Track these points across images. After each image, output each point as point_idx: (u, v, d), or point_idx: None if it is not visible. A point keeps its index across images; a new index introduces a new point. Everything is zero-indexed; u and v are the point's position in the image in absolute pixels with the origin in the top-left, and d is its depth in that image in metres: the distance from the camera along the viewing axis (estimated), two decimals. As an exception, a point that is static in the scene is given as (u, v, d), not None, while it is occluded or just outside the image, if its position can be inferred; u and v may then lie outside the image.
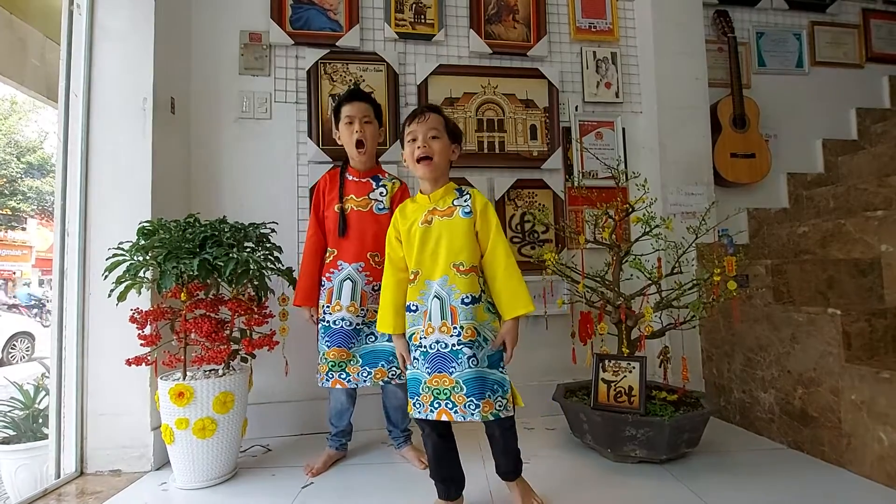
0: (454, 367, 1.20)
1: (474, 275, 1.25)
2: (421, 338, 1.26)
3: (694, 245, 1.83)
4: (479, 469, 1.55)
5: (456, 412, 1.19)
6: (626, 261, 1.81)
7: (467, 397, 1.19)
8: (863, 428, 1.47)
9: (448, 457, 1.30)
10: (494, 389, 1.21)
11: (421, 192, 1.35)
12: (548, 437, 1.90)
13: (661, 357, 1.83)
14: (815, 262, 1.92)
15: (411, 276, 1.30)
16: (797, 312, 1.69)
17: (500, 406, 1.21)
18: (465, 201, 1.29)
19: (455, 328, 1.21)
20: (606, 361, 1.70)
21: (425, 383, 1.24)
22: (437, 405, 1.21)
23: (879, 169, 2.36)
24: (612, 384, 1.66)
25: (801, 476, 1.50)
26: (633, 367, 1.66)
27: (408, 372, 1.31)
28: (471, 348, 1.20)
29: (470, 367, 1.20)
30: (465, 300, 1.22)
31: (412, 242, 1.29)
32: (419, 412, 1.24)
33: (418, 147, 1.27)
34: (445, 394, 1.21)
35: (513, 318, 1.24)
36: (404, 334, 1.32)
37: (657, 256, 1.85)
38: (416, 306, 1.28)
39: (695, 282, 1.74)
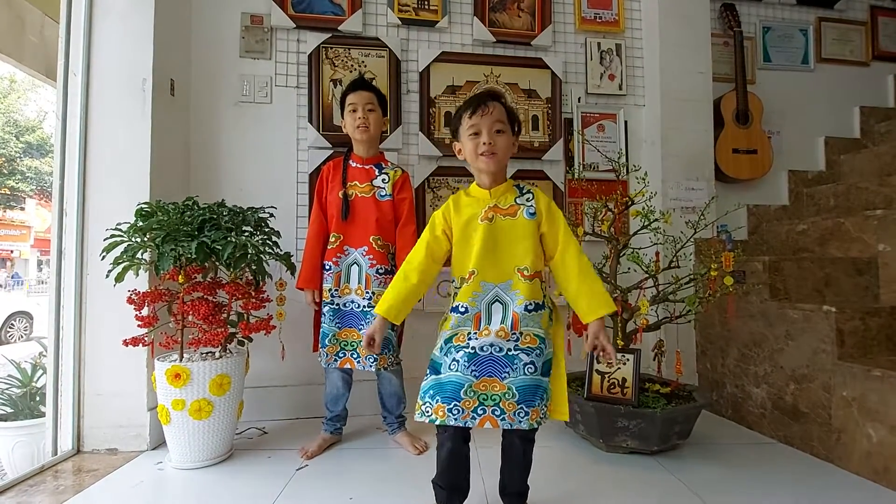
0: (507, 373, 1.11)
1: (538, 280, 1.15)
2: (469, 339, 1.14)
3: (692, 240, 1.83)
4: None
5: (503, 419, 1.11)
6: (624, 254, 1.82)
7: (518, 404, 1.11)
8: (853, 424, 1.49)
9: (462, 465, 1.20)
10: (542, 397, 1.15)
11: (478, 184, 1.22)
12: (541, 427, 1.91)
13: (656, 350, 1.84)
14: (812, 259, 1.92)
15: (466, 276, 1.16)
16: (792, 309, 1.70)
17: (543, 414, 1.15)
18: (529, 201, 1.18)
19: (514, 334, 1.12)
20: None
21: (470, 387, 1.11)
22: (481, 412, 1.11)
23: (881, 168, 2.35)
24: (606, 376, 1.68)
25: (790, 470, 1.52)
26: (628, 360, 1.67)
27: (443, 375, 1.15)
28: (528, 355, 1.13)
29: (525, 373, 1.12)
30: (529, 307, 1.13)
31: (471, 241, 1.16)
32: (455, 418, 1.11)
33: (484, 143, 1.14)
34: (494, 399, 1.11)
35: (596, 319, 1.13)
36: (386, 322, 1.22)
37: (655, 250, 1.86)
38: (467, 308, 1.15)
39: (692, 276, 1.75)
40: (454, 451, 1.17)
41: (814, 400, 1.61)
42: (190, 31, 2.05)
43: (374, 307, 1.59)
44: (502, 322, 1.13)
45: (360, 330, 1.65)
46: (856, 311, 1.59)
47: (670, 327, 1.81)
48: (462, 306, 1.16)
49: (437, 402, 1.13)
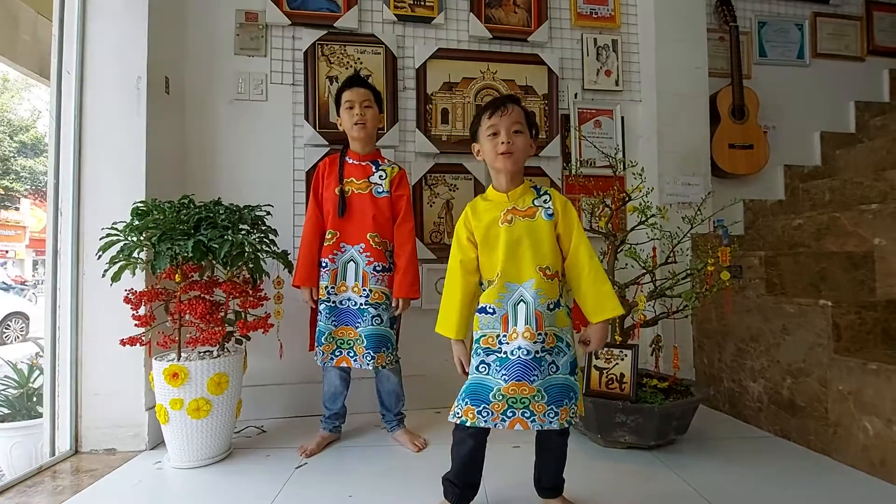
0: (536, 376, 1.13)
1: (557, 279, 1.18)
2: (501, 343, 1.16)
3: (689, 235, 1.83)
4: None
5: (534, 421, 1.13)
6: (622, 250, 1.82)
7: (548, 405, 1.13)
8: (849, 418, 1.49)
9: (478, 464, 1.22)
10: (571, 396, 1.16)
11: (494, 188, 1.25)
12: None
13: (654, 345, 1.84)
14: (808, 254, 1.93)
15: (493, 279, 1.19)
16: (789, 304, 1.71)
17: (573, 413, 1.17)
18: (546, 202, 1.21)
19: (540, 335, 1.14)
20: (599, 349, 1.72)
21: (499, 391, 1.13)
22: (510, 414, 1.13)
23: (876, 163, 2.36)
24: (605, 371, 1.68)
25: (787, 464, 1.53)
26: (626, 355, 1.67)
27: (471, 377, 1.19)
28: (552, 355, 1.16)
29: (551, 374, 1.15)
30: (550, 306, 1.16)
31: (494, 244, 1.19)
32: (485, 420, 1.13)
33: (502, 142, 1.18)
34: (524, 402, 1.13)
35: (600, 321, 1.17)
36: (464, 340, 1.24)
37: (652, 246, 1.86)
38: (494, 309, 1.18)
39: (689, 272, 1.76)
40: (473, 450, 1.19)
41: (810, 394, 1.62)
42: (184, 29, 2.03)
43: (371, 304, 1.62)
44: (527, 322, 1.14)
45: (356, 328, 1.64)
46: (852, 306, 1.60)
47: (668, 323, 1.82)
48: (489, 307, 1.18)
49: (466, 404, 1.15)
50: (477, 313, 1.21)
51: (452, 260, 1.26)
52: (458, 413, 1.16)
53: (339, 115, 1.76)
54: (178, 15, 2.00)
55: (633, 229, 1.86)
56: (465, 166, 2.20)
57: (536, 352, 1.13)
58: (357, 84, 1.73)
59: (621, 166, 2.17)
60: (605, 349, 1.71)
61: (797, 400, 1.67)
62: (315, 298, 1.71)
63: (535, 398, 1.13)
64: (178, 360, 1.54)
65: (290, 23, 2.11)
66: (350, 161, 1.74)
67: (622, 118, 2.36)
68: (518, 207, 1.20)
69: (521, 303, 1.16)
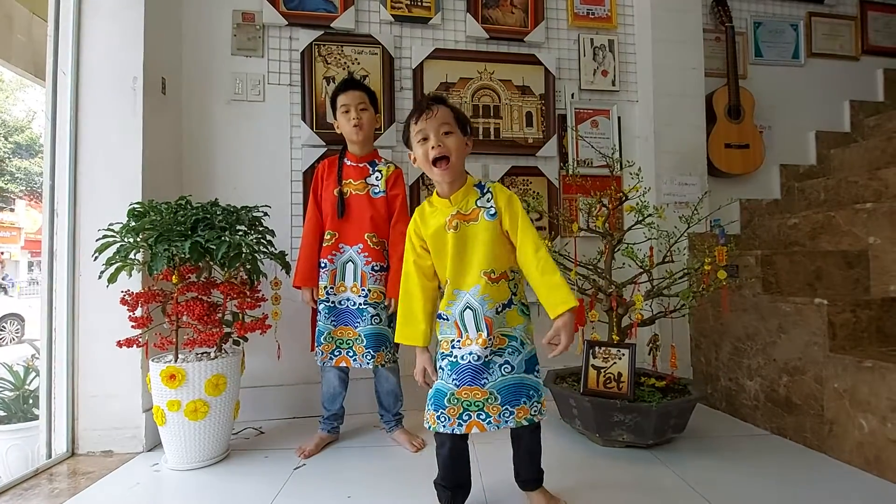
0: (486, 380, 1.14)
1: (504, 280, 1.17)
2: (452, 347, 1.17)
3: (686, 235, 1.84)
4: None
5: (489, 423, 1.13)
6: (619, 249, 1.82)
7: (502, 406, 1.14)
8: (844, 415, 1.50)
9: (463, 462, 1.22)
10: (530, 395, 1.16)
11: (438, 194, 1.23)
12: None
13: (651, 345, 1.85)
14: (804, 253, 1.94)
15: (445, 285, 1.20)
16: (785, 303, 1.71)
17: (535, 411, 1.17)
18: (489, 201, 1.18)
19: (490, 339, 1.14)
20: (597, 348, 1.72)
21: (453, 395, 1.14)
22: (466, 418, 1.13)
23: (871, 162, 2.38)
24: (602, 370, 1.69)
25: (783, 461, 1.54)
26: (623, 354, 1.68)
27: (435, 383, 1.21)
28: (502, 356, 1.15)
29: (503, 374, 1.15)
30: (499, 308, 1.15)
31: (443, 251, 1.19)
32: (444, 426, 1.14)
33: (432, 147, 1.14)
34: (478, 405, 1.14)
35: (559, 315, 1.09)
36: (428, 348, 1.23)
37: (649, 245, 1.87)
38: (447, 316, 1.19)
39: (685, 271, 1.76)
40: (454, 448, 1.19)
41: (806, 392, 1.63)
42: (181, 29, 2.03)
43: (369, 304, 1.63)
44: (478, 329, 1.14)
45: (355, 327, 1.65)
46: (847, 304, 1.61)
47: (665, 322, 1.83)
48: (444, 314, 1.20)
49: (430, 409, 1.17)
50: (438, 319, 1.22)
51: (407, 265, 1.25)
52: (427, 418, 1.18)
53: (335, 118, 1.76)
54: (174, 15, 1.99)
55: (630, 229, 1.86)
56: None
57: (486, 356, 1.14)
58: (352, 87, 1.72)
59: (618, 166, 2.18)
60: (603, 348, 1.72)
61: (793, 398, 1.68)
62: (315, 298, 1.71)
63: (488, 401, 1.14)
64: (176, 361, 1.53)
65: (286, 23, 2.10)
66: (348, 163, 1.74)
67: (619, 118, 2.37)
68: (462, 211, 1.18)
69: (468, 309, 1.16)
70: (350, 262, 1.68)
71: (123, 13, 1.73)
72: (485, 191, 1.20)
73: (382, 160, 1.80)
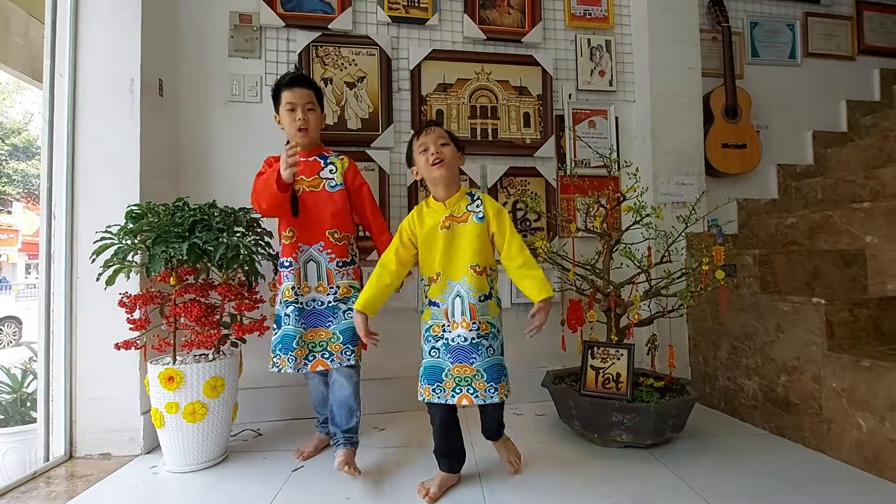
0: (475, 358, 1.34)
1: (485, 275, 1.39)
2: (444, 331, 1.38)
3: (683, 234, 1.84)
4: (467, 447, 1.48)
5: (477, 396, 1.34)
6: (617, 249, 1.83)
7: (488, 383, 1.34)
8: (843, 414, 1.51)
9: (455, 431, 1.42)
10: (505, 374, 1.39)
11: (434, 198, 1.45)
12: (537, 422, 1.93)
13: (649, 345, 1.86)
14: (801, 252, 1.94)
15: (434, 276, 1.40)
16: (783, 302, 1.72)
17: (508, 388, 1.39)
18: (478, 207, 1.41)
19: (474, 323, 1.35)
20: (595, 348, 1.73)
21: (448, 371, 1.36)
22: (458, 391, 1.34)
23: (867, 161, 2.38)
24: (601, 371, 1.69)
25: (782, 460, 1.54)
26: (622, 355, 1.68)
27: (426, 361, 1.40)
28: (487, 339, 1.36)
29: (488, 356, 1.36)
30: (482, 298, 1.37)
31: (434, 246, 1.40)
32: (438, 397, 1.36)
33: (431, 154, 1.38)
34: (467, 381, 1.34)
35: (541, 299, 1.33)
36: (367, 315, 1.41)
37: (647, 245, 1.87)
38: (439, 303, 1.40)
39: (683, 271, 1.77)
40: (444, 419, 1.40)
41: (804, 391, 1.63)
42: (178, 31, 2.03)
43: (340, 300, 1.60)
44: (463, 314, 1.36)
45: (328, 327, 1.56)
46: (845, 303, 1.61)
47: (663, 322, 1.83)
48: (436, 301, 1.41)
49: (424, 383, 1.39)
50: (428, 305, 1.43)
51: (388, 253, 1.46)
52: (420, 392, 1.39)
53: (276, 111, 1.65)
54: (171, 17, 1.99)
55: (628, 229, 1.86)
56: (461, 167, 2.20)
57: (472, 338, 1.35)
58: (299, 84, 1.62)
59: (616, 166, 2.19)
60: (602, 348, 1.72)
61: (791, 397, 1.68)
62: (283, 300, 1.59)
63: (476, 377, 1.34)
64: (174, 363, 1.53)
65: (284, 24, 2.10)
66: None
67: (616, 118, 2.37)
68: (454, 214, 1.41)
69: (458, 297, 1.38)
70: (311, 262, 1.59)
71: (120, 15, 1.73)
72: (475, 199, 1.43)
73: (332, 152, 1.71)
